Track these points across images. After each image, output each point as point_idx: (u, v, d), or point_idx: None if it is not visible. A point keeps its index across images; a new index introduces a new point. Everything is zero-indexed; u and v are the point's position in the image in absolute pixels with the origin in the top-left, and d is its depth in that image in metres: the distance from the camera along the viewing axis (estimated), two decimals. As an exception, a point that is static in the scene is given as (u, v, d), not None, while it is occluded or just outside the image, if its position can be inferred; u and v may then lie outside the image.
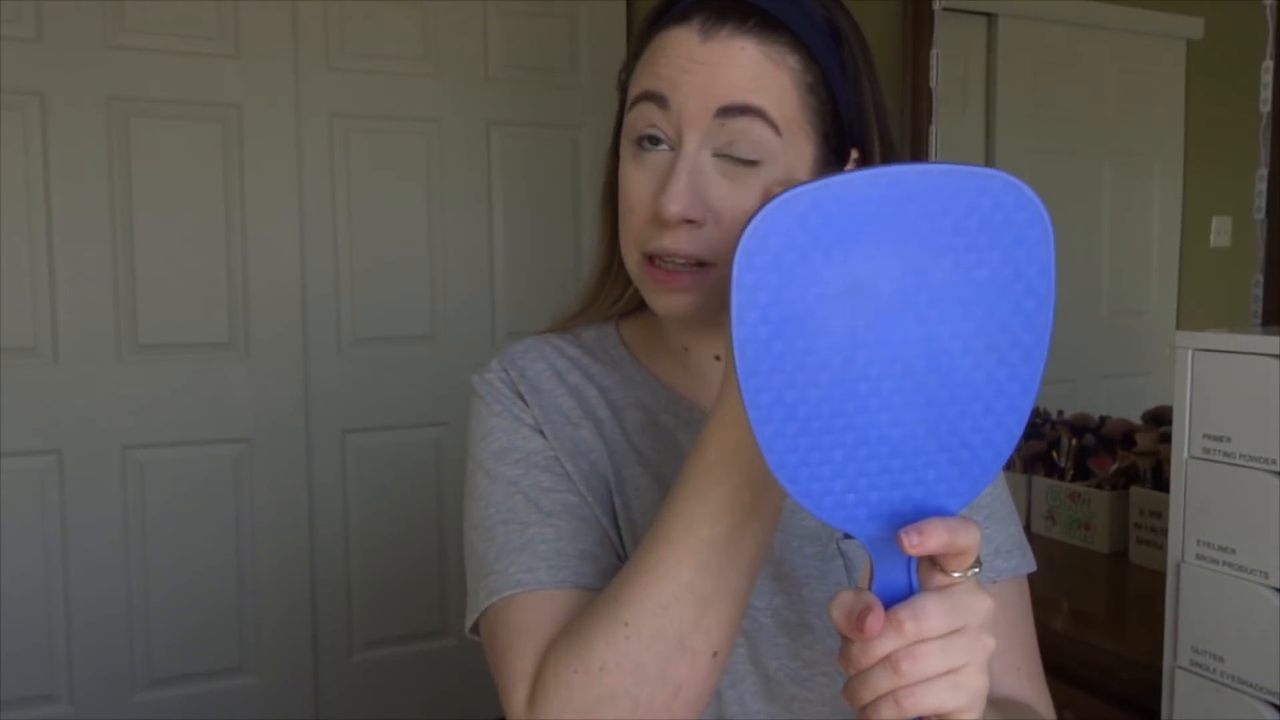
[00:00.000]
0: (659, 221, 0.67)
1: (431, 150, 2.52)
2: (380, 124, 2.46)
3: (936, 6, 2.06)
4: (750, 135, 0.66)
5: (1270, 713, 1.02)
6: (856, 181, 0.49)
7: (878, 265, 0.50)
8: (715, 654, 0.61)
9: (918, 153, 2.11)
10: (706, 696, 0.62)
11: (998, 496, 0.78)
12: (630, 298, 0.80)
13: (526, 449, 0.73)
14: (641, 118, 0.68)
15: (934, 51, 2.08)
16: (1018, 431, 0.53)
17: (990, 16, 2.08)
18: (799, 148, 0.68)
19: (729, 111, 0.65)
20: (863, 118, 0.72)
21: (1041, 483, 1.78)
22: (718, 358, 0.77)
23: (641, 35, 0.72)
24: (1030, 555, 0.79)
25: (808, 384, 0.50)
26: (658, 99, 0.67)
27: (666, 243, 0.67)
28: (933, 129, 2.09)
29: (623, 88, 0.73)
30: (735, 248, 0.49)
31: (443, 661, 2.58)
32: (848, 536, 0.72)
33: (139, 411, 2.29)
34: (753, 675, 0.71)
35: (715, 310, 0.69)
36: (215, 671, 2.37)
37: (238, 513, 2.39)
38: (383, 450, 2.51)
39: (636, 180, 0.69)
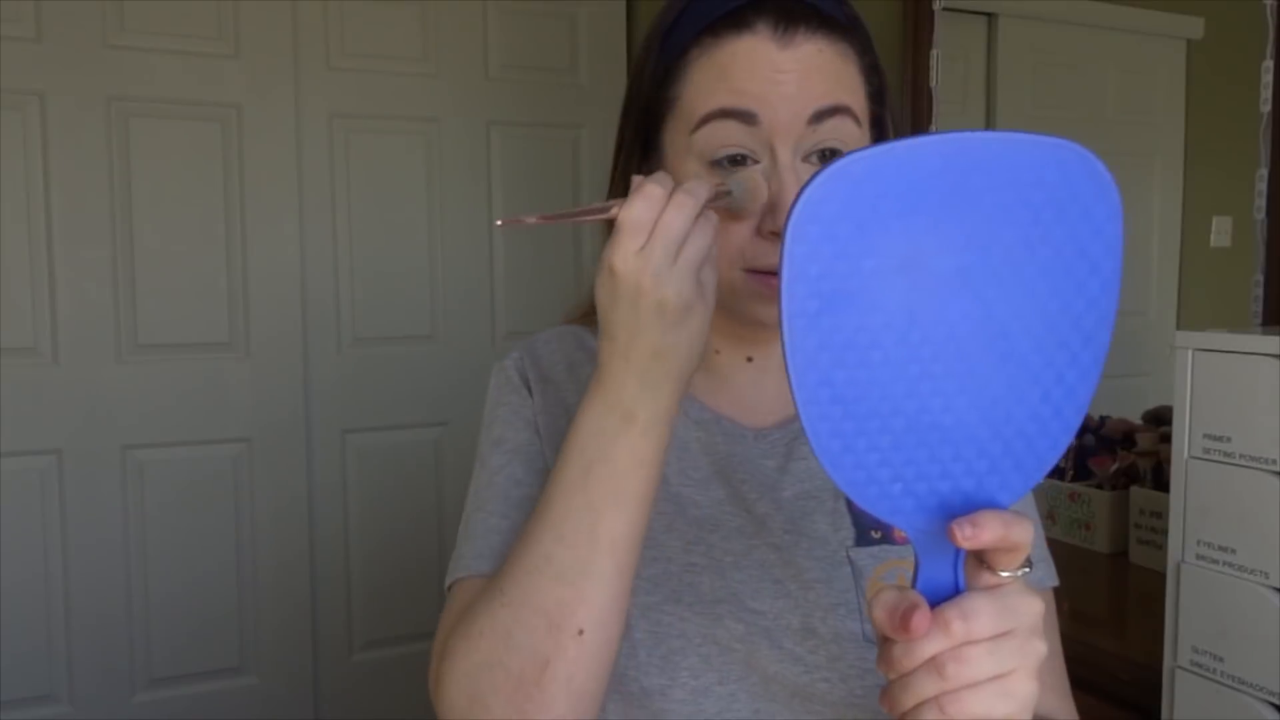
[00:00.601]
0: (770, 236, 0.66)
1: (431, 150, 2.52)
2: (380, 124, 2.46)
3: (936, 6, 2.06)
4: (842, 133, 0.68)
5: (1270, 713, 1.02)
6: (920, 147, 0.46)
7: (937, 238, 0.46)
8: (581, 632, 0.60)
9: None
10: (586, 682, 0.61)
11: (1028, 503, 0.77)
12: None
13: (518, 440, 0.75)
14: (721, 137, 0.67)
15: (934, 51, 2.08)
16: (1076, 422, 0.50)
17: (990, 16, 2.08)
18: (869, 138, 0.71)
19: (821, 115, 0.67)
20: (893, 106, 0.75)
21: (1042, 483, 1.78)
22: (750, 359, 0.77)
23: (675, 46, 0.70)
24: (1054, 568, 0.79)
25: (857, 364, 0.47)
26: (743, 116, 0.66)
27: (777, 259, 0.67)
28: (933, 129, 2.09)
29: (659, 89, 0.71)
30: (788, 215, 0.46)
31: (443, 661, 2.58)
32: (858, 544, 0.72)
33: (139, 411, 2.28)
34: (751, 680, 0.70)
35: None
36: (215, 671, 2.37)
37: (238, 513, 2.39)
38: (383, 450, 2.51)
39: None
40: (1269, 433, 1.02)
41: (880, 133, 0.74)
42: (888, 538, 0.72)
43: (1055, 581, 0.78)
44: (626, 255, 0.58)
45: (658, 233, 0.58)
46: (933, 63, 2.08)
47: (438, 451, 2.55)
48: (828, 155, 0.68)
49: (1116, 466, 1.69)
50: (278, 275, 2.38)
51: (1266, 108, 1.47)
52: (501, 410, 0.77)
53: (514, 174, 2.59)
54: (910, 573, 0.68)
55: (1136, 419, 1.75)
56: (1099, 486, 1.69)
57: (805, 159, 0.67)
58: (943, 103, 2.09)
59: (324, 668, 2.46)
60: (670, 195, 0.59)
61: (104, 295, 2.23)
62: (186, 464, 2.33)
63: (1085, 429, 1.81)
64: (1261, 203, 1.50)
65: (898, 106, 0.78)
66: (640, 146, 0.74)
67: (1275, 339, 1.03)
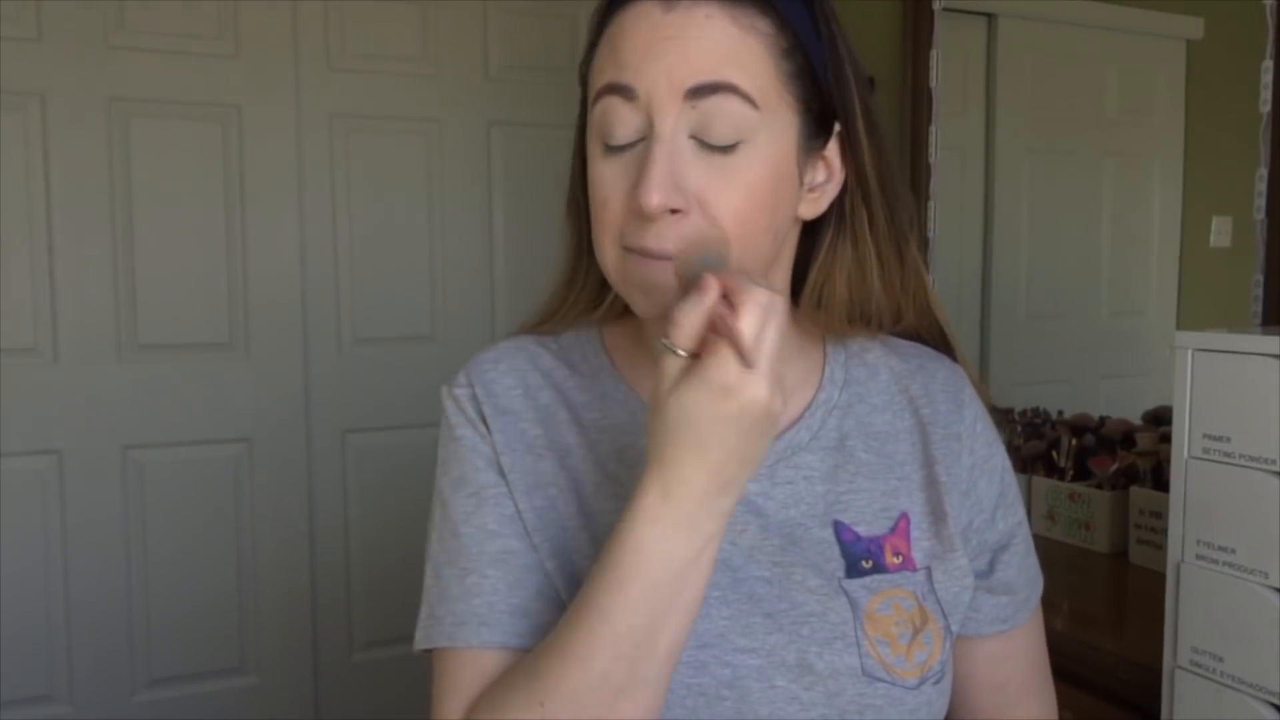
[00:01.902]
0: (640, 215, 0.62)
1: (431, 150, 2.52)
2: (380, 124, 2.46)
3: (936, 6, 2.06)
4: (725, 114, 0.61)
5: (1270, 713, 1.02)
6: None
7: None
8: None
9: (917, 152, 2.11)
10: None
11: (1024, 525, 0.78)
12: (613, 302, 0.75)
13: (479, 482, 0.71)
14: (607, 116, 0.63)
15: (934, 51, 2.08)
16: None
17: (990, 16, 2.08)
18: (781, 119, 0.64)
19: (700, 91, 0.61)
20: (842, 83, 0.67)
21: (1041, 483, 1.78)
22: None
23: (598, 19, 0.67)
24: (1041, 575, 0.80)
25: None
26: (623, 90, 0.62)
27: (649, 241, 0.62)
28: (933, 129, 2.09)
29: (584, 81, 0.68)
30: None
31: (443, 661, 2.58)
32: (850, 575, 0.68)
33: (139, 411, 2.28)
34: None
35: None
36: (215, 671, 2.37)
37: (238, 513, 2.39)
38: (383, 450, 2.51)
39: (608, 176, 0.64)
40: (1269, 433, 1.02)
41: (815, 122, 0.66)
42: (880, 566, 0.69)
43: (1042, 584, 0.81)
44: (752, 377, 0.55)
45: (767, 348, 0.55)
46: (933, 63, 2.08)
47: (438, 451, 2.55)
48: (703, 144, 0.62)
49: (1116, 466, 1.69)
50: (278, 275, 2.38)
51: (1266, 108, 1.47)
52: (457, 447, 0.72)
53: (514, 174, 2.59)
54: (904, 600, 0.69)
55: (1136, 419, 1.75)
56: (1099, 486, 1.69)
57: (693, 137, 0.62)
58: (943, 103, 2.09)
59: (324, 668, 2.46)
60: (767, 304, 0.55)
61: (104, 295, 2.23)
62: (186, 464, 2.33)
63: (1085, 429, 1.81)
64: (1261, 203, 1.50)
65: (857, 94, 0.68)
66: (580, 145, 0.70)
67: (1275, 339, 1.03)
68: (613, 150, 0.64)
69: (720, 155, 0.62)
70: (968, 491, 0.73)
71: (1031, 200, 2.10)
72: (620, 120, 0.63)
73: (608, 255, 0.66)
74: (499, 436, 0.71)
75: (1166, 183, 1.81)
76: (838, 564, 0.69)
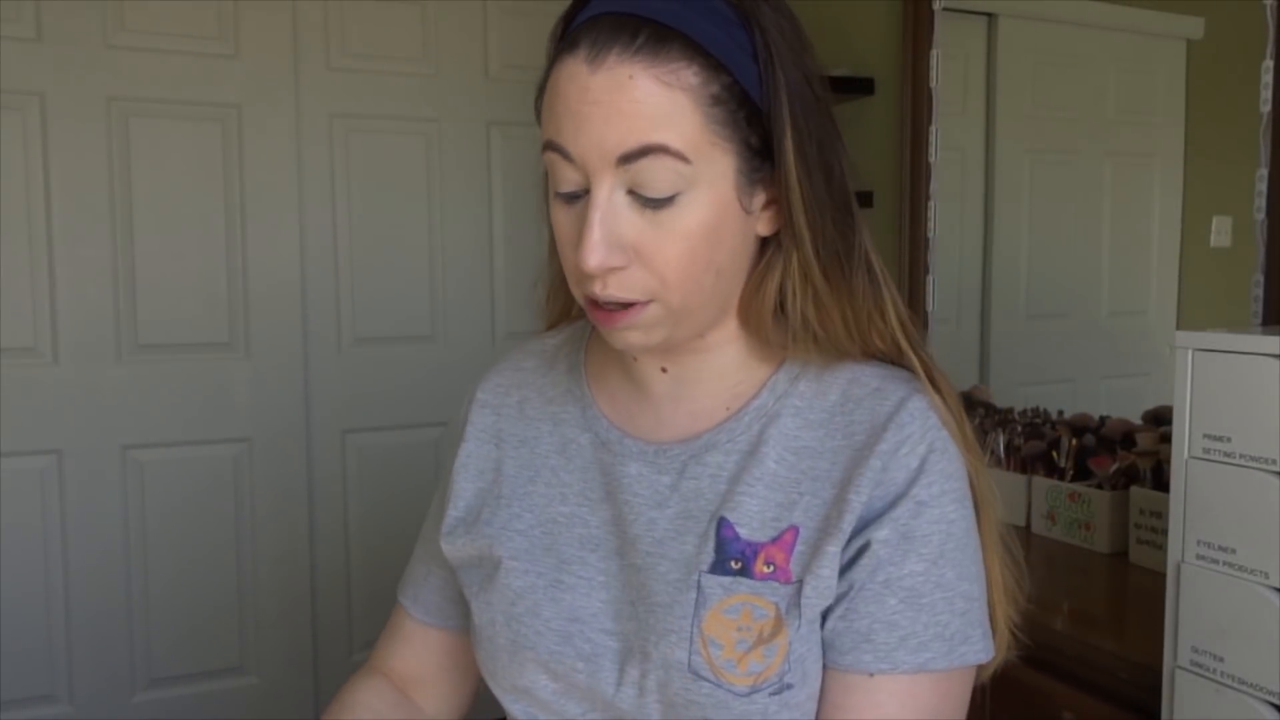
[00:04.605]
0: (581, 269, 0.65)
1: (431, 150, 2.52)
2: (380, 124, 2.46)
3: (936, 6, 2.06)
4: (658, 172, 0.63)
5: (1270, 713, 1.02)
6: None
7: None
8: None
9: (917, 152, 2.12)
10: None
11: (931, 578, 0.68)
12: None
13: (450, 478, 0.83)
14: (554, 170, 0.66)
15: (934, 51, 2.08)
16: None
17: (990, 16, 2.08)
18: (716, 164, 0.64)
19: (630, 157, 0.62)
20: (776, 111, 0.65)
21: (1041, 483, 1.78)
22: (664, 369, 0.75)
23: (547, 59, 0.69)
24: (969, 648, 0.68)
25: None
26: (560, 151, 0.65)
27: (595, 290, 0.66)
28: (933, 129, 2.09)
29: (538, 114, 0.70)
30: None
31: (443, 661, 2.58)
32: (713, 570, 0.69)
33: (139, 411, 2.29)
34: (596, 699, 0.72)
35: (666, 339, 0.69)
36: (215, 671, 2.37)
37: (238, 513, 2.39)
38: (383, 450, 2.51)
39: (564, 224, 0.68)
40: (1269, 433, 1.02)
41: (755, 154, 0.66)
42: (747, 570, 0.69)
43: (981, 657, 0.69)
44: None
45: None
46: (933, 63, 2.08)
47: (438, 451, 2.55)
48: (639, 198, 0.64)
49: (1116, 466, 1.69)
50: (278, 275, 2.38)
51: (1266, 108, 1.47)
52: (465, 445, 0.83)
53: (514, 174, 2.59)
54: (759, 609, 0.67)
55: (1136, 419, 1.75)
56: (1099, 486, 1.69)
57: (630, 193, 0.64)
58: (943, 103, 2.09)
59: (324, 668, 2.46)
60: None
61: (104, 295, 2.23)
62: (186, 464, 2.33)
63: (1085, 429, 1.81)
64: (1261, 203, 1.50)
65: (818, 112, 0.68)
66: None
67: (1275, 339, 1.03)
68: (562, 197, 0.67)
69: (657, 209, 0.64)
70: (866, 506, 0.69)
71: (1031, 200, 2.10)
72: (563, 176, 0.66)
73: (575, 294, 0.71)
74: (470, 429, 0.83)
75: (1166, 183, 1.81)
76: (708, 557, 0.70)
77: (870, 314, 0.71)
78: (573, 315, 0.84)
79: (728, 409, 0.74)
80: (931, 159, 2.09)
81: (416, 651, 0.88)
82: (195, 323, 2.32)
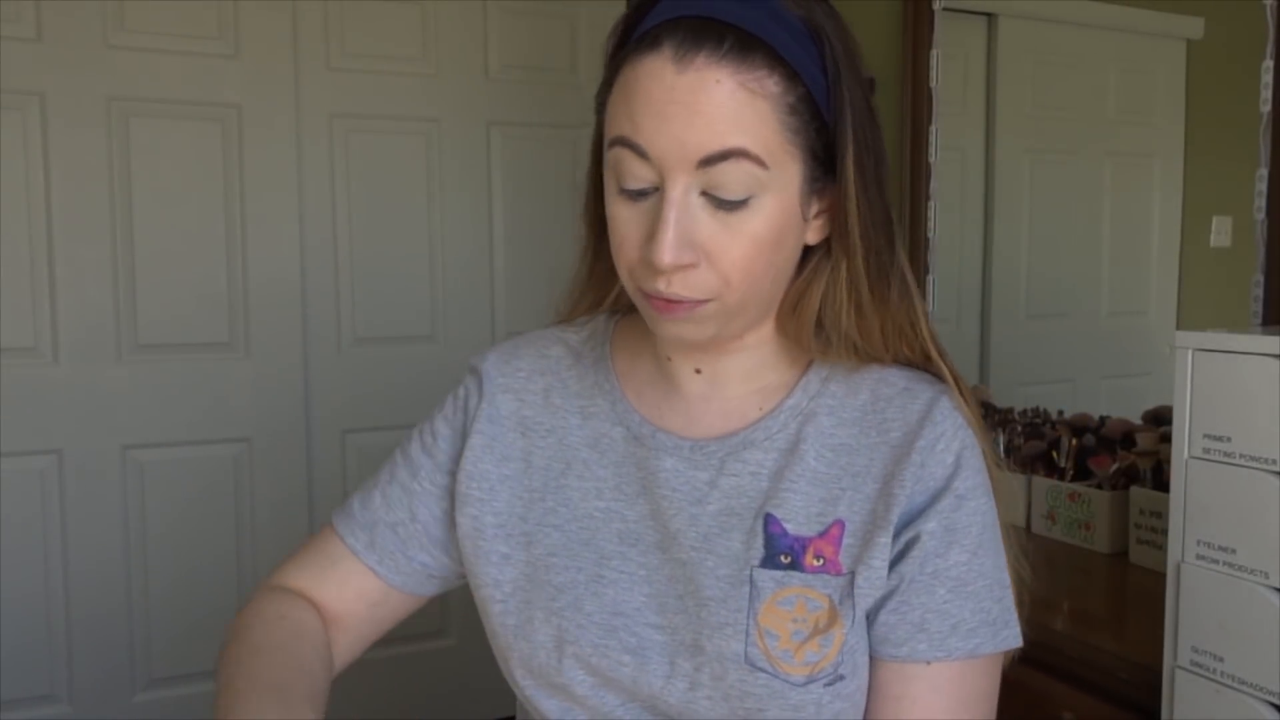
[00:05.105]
0: (651, 265, 0.66)
1: (431, 150, 2.52)
2: (380, 124, 2.46)
3: (936, 6, 2.06)
4: (735, 175, 0.64)
5: (1270, 713, 1.02)
6: None
7: None
8: None
9: (917, 152, 2.12)
10: None
11: (974, 567, 0.72)
12: (621, 294, 0.80)
13: (433, 434, 0.85)
14: (622, 166, 0.66)
15: (934, 51, 2.08)
16: None
17: (990, 16, 2.08)
18: (787, 171, 0.67)
19: (711, 160, 0.64)
20: (841, 125, 0.68)
21: (1041, 483, 1.78)
22: (698, 370, 0.77)
23: (612, 58, 0.70)
24: (1009, 632, 0.73)
25: None
26: (635, 148, 0.65)
27: (660, 286, 0.67)
28: (933, 129, 2.09)
29: (599, 108, 0.71)
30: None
31: (443, 661, 2.58)
32: (764, 565, 0.71)
33: (139, 411, 2.29)
34: (640, 692, 0.72)
35: (714, 336, 0.71)
36: (215, 671, 2.37)
37: (238, 513, 2.39)
38: (383, 450, 2.48)
39: (625, 220, 0.68)
40: (1269, 433, 1.02)
41: (819, 164, 0.68)
42: (797, 564, 0.71)
43: (1012, 644, 0.73)
44: None
45: None
46: (933, 63, 2.08)
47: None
48: (714, 199, 0.65)
49: (1116, 466, 1.69)
50: (278, 275, 2.38)
51: (1266, 108, 1.47)
52: (443, 406, 0.85)
53: (514, 174, 2.59)
54: (813, 601, 0.70)
55: (1136, 419, 1.75)
56: (1099, 486, 1.69)
57: (704, 194, 0.65)
58: (943, 103, 2.09)
59: (324, 668, 2.46)
60: None
61: (104, 295, 2.23)
62: (186, 464, 2.33)
63: (1085, 429, 1.81)
64: (1261, 203, 1.50)
65: (875, 129, 0.71)
66: (596, 155, 0.73)
67: (1275, 339, 1.03)
68: (627, 193, 0.67)
69: (729, 211, 0.66)
70: (909, 500, 0.72)
71: (1031, 200, 2.10)
72: (634, 172, 0.66)
73: (627, 286, 0.71)
74: (486, 409, 0.81)
75: (1166, 183, 1.81)
76: (758, 552, 0.72)
77: (902, 325, 0.75)
78: (597, 310, 0.84)
79: (760, 408, 0.76)
80: (931, 159, 2.09)
81: (351, 592, 0.84)
82: (195, 323, 2.32)
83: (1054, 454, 1.80)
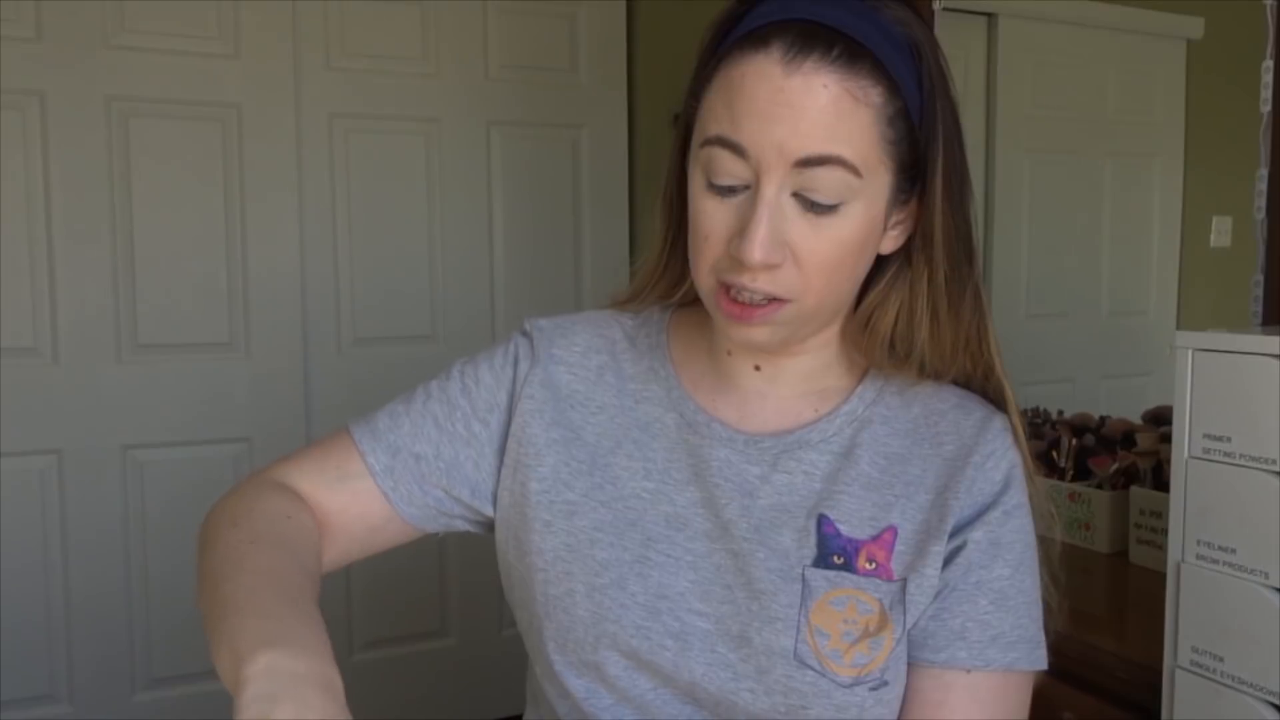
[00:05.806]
0: (739, 261, 0.67)
1: (431, 150, 2.52)
2: (380, 124, 2.46)
3: (936, 6, 2.06)
4: (830, 181, 0.65)
5: (1270, 713, 1.02)
6: None
7: None
8: None
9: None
10: None
11: (1015, 583, 0.74)
12: (688, 290, 0.80)
13: (474, 379, 0.82)
14: (715, 162, 0.67)
15: (934, 51, 2.07)
16: None
17: (990, 16, 2.08)
18: (878, 181, 0.68)
19: (809, 162, 0.64)
20: (933, 141, 0.69)
21: (1041, 483, 1.78)
22: (757, 368, 0.78)
23: (710, 53, 0.69)
24: (1040, 653, 0.75)
25: None
26: (733, 147, 0.65)
27: (745, 280, 0.67)
28: (933, 129, 2.09)
29: (694, 97, 0.71)
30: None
31: (443, 661, 2.58)
32: (816, 565, 0.72)
33: (139, 411, 2.28)
34: (678, 677, 0.72)
35: (784, 340, 0.72)
36: (215, 671, 2.37)
37: (238, 513, 2.39)
38: (383, 450, 2.51)
39: (713, 214, 0.68)
40: (1269, 433, 1.02)
41: (907, 177, 0.69)
42: (849, 566, 0.72)
43: (1039, 665, 0.75)
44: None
45: None
46: (933, 63, 2.07)
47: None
48: (806, 201, 0.66)
49: (1116, 466, 1.69)
50: (278, 275, 2.38)
51: (1266, 108, 1.47)
52: (489, 358, 0.82)
53: (514, 174, 2.59)
54: (863, 603, 0.70)
55: (1136, 419, 1.75)
56: (1099, 486, 1.69)
57: (795, 194, 0.66)
58: (943, 103, 2.09)
59: (324, 668, 2.46)
60: None
61: (104, 295, 2.23)
62: (186, 464, 2.33)
63: (1085, 429, 1.81)
64: (1261, 203, 1.50)
65: (943, 152, 0.71)
66: (680, 149, 0.74)
67: (1275, 339, 1.03)
68: (717, 189, 0.68)
69: (820, 215, 0.66)
70: (960, 512, 0.74)
71: (1031, 200, 2.10)
72: (727, 170, 0.67)
73: (703, 282, 0.71)
74: (540, 373, 0.80)
75: (1166, 183, 1.81)
76: (810, 552, 0.73)
77: (970, 338, 0.77)
78: (665, 302, 0.84)
79: (816, 410, 0.77)
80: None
81: (356, 511, 0.81)
82: (195, 322, 2.32)
83: (1054, 454, 1.80)
